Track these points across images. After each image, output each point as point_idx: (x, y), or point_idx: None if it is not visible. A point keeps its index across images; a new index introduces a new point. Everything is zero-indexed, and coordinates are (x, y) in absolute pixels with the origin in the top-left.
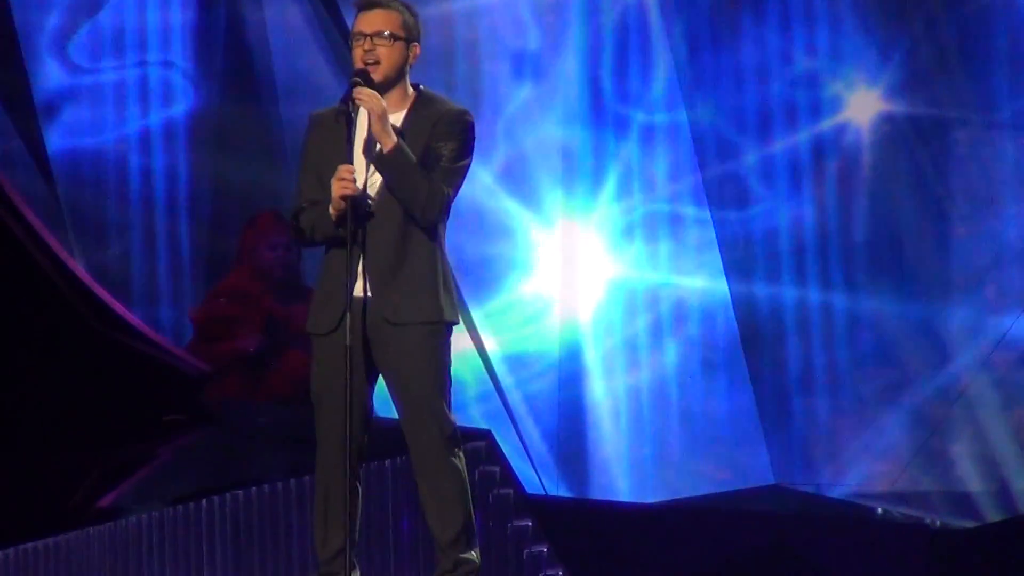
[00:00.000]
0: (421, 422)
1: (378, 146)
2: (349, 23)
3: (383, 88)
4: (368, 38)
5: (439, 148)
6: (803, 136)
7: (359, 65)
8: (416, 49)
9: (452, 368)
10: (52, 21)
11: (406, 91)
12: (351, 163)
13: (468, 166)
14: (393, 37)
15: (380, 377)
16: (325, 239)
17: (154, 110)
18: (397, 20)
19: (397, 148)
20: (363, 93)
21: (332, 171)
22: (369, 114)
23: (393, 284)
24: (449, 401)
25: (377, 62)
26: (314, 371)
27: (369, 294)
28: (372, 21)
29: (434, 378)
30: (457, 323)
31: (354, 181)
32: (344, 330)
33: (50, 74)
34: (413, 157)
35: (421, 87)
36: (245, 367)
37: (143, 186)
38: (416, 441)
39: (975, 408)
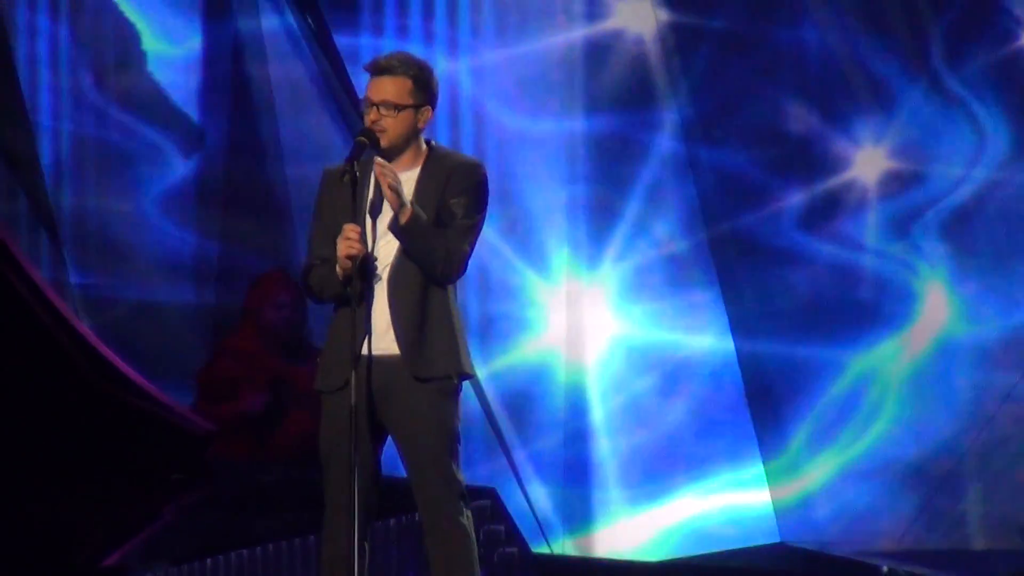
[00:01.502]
0: (430, 480)
1: (394, 215)
2: (355, 80)
3: (391, 153)
4: (375, 107)
5: (453, 204)
6: (809, 193)
7: (367, 127)
8: (427, 112)
9: (460, 428)
10: (61, 81)
11: (419, 149)
12: (357, 221)
13: (483, 220)
14: (398, 107)
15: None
16: (334, 297)
17: (160, 170)
18: (406, 87)
19: (414, 218)
20: (383, 168)
21: (339, 226)
22: (383, 186)
23: (418, 341)
24: (459, 461)
25: (384, 131)
26: (322, 430)
27: (376, 352)
28: (380, 89)
29: (443, 436)
30: (473, 376)
31: (359, 241)
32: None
33: (57, 133)
34: (429, 224)
35: (433, 143)
36: (250, 427)
37: (150, 245)
38: (424, 499)
39: (981, 465)
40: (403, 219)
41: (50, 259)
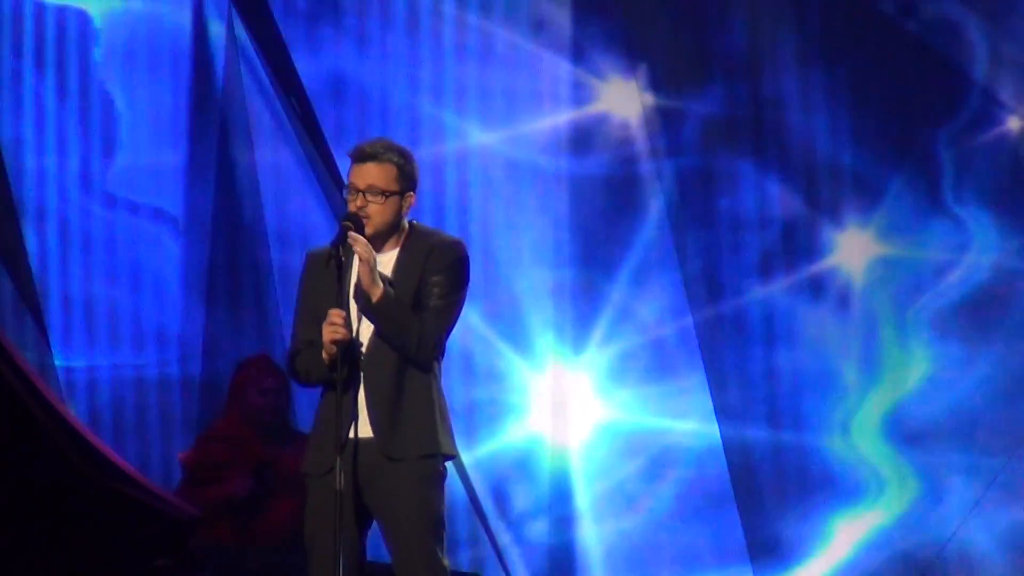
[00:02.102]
0: (413, 565)
1: (367, 294)
2: (340, 165)
3: (375, 239)
4: (361, 194)
5: (432, 283)
6: (795, 278)
7: (354, 212)
8: (411, 198)
9: (445, 512)
10: (46, 164)
11: (401, 231)
12: (342, 306)
13: (463, 299)
14: (385, 194)
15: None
16: (320, 382)
17: (145, 253)
18: (391, 174)
19: (385, 297)
20: (357, 241)
21: (326, 311)
22: (359, 262)
23: (393, 421)
24: (443, 545)
25: (368, 217)
26: (308, 514)
27: (362, 436)
28: (365, 175)
29: (427, 522)
30: (455, 456)
31: (344, 325)
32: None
33: (42, 216)
34: (403, 304)
35: (414, 222)
36: (235, 511)
37: (134, 328)
38: None
39: (966, 551)
40: (375, 297)
41: (35, 342)
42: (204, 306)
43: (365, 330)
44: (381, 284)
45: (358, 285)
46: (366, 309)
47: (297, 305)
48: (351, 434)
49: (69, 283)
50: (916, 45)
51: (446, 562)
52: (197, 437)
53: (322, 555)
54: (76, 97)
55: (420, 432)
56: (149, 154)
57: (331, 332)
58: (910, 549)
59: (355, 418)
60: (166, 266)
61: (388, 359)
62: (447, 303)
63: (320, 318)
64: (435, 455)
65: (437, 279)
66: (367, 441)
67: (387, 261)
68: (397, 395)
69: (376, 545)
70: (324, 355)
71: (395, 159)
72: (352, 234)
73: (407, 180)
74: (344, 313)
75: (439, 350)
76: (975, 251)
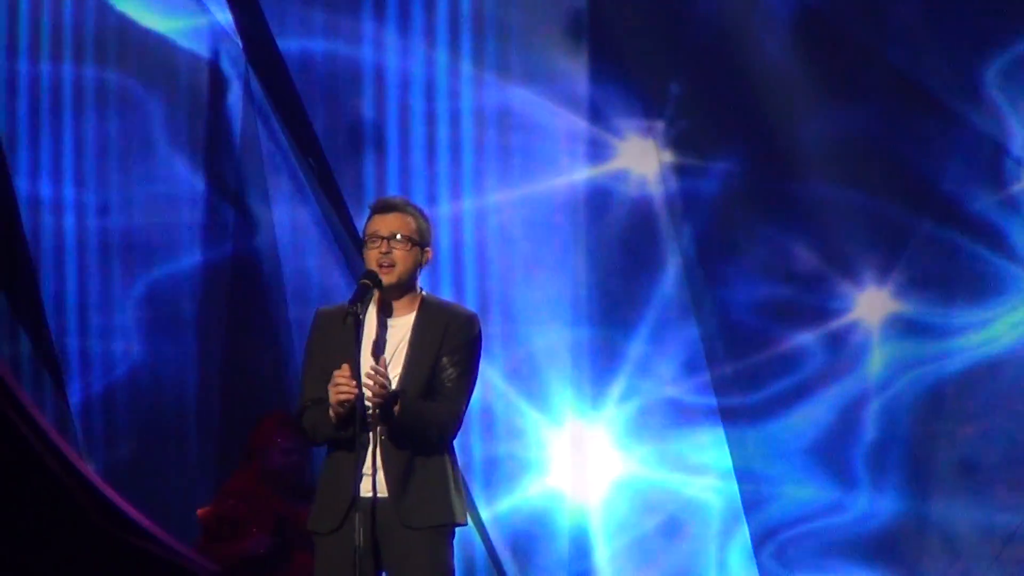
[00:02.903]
0: None
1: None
2: (357, 223)
3: (395, 290)
4: (385, 240)
5: (449, 362)
6: (813, 335)
7: (373, 266)
8: (428, 253)
9: (461, 568)
10: (63, 222)
11: (415, 294)
12: (359, 364)
13: (477, 376)
14: (410, 241)
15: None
16: (327, 439)
17: (162, 311)
18: (412, 224)
19: (403, 412)
20: (375, 385)
21: (336, 369)
22: (369, 402)
23: (406, 487)
24: None
25: (392, 265)
26: (318, 570)
27: (377, 495)
28: (389, 224)
29: None
30: (465, 525)
31: (350, 385)
32: (349, 529)
33: (60, 274)
34: (419, 406)
35: (425, 292)
36: (254, 568)
37: (151, 387)
38: None
39: None
40: (396, 408)
41: (53, 400)
42: (221, 362)
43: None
44: (397, 401)
45: (377, 340)
46: (393, 435)
47: (305, 362)
48: (364, 493)
49: (87, 341)
50: (930, 101)
51: None
52: (216, 493)
53: None
54: (90, 159)
55: (434, 501)
56: (166, 213)
57: (336, 393)
58: None
59: (373, 475)
60: (184, 322)
61: None
62: (464, 384)
63: (329, 376)
64: (447, 524)
65: (455, 359)
66: (383, 500)
67: (403, 325)
68: (413, 463)
69: None
70: (331, 414)
71: (415, 212)
72: (372, 387)
73: (426, 235)
74: (349, 372)
75: (460, 429)
76: (1001, 307)
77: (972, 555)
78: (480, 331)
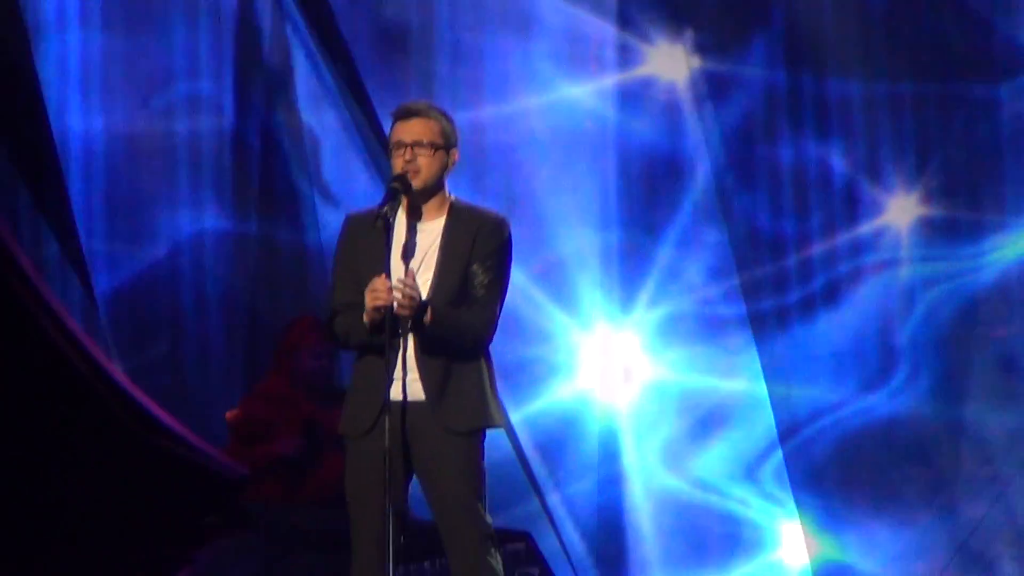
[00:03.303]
0: (458, 523)
1: (417, 320)
2: (387, 128)
3: (423, 194)
4: (408, 148)
5: (482, 270)
6: (842, 239)
7: (399, 172)
8: (455, 155)
9: (491, 469)
10: (92, 123)
11: (443, 197)
12: (389, 267)
13: (509, 280)
14: (433, 146)
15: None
16: (359, 345)
17: (191, 215)
18: (436, 128)
19: (435, 322)
20: (399, 298)
21: (368, 273)
22: (400, 310)
23: (443, 390)
24: (485, 501)
25: (418, 171)
26: (348, 473)
27: (410, 398)
28: (412, 131)
29: (470, 479)
30: (502, 427)
31: (388, 292)
32: (379, 432)
33: (88, 176)
34: (451, 314)
35: (454, 197)
36: (284, 470)
37: (180, 289)
38: (453, 542)
39: (1015, 508)
40: (427, 319)
41: (81, 303)
42: (252, 267)
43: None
44: (428, 312)
45: (407, 243)
46: (425, 345)
47: (335, 268)
48: (395, 396)
49: (115, 245)
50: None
51: (488, 519)
52: (243, 396)
53: (364, 511)
54: (119, 59)
55: (473, 405)
56: (195, 117)
57: (373, 299)
58: (958, 503)
59: (403, 378)
60: (214, 227)
61: None
62: (496, 291)
63: (360, 281)
64: (486, 428)
65: (486, 265)
66: (414, 404)
67: (433, 230)
68: (449, 366)
69: (419, 501)
70: (365, 319)
71: (439, 117)
72: (401, 297)
73: (451, 137)
74: (387, 280)
75: (494, 333)
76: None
77: (1003, 459)
78: (510, 235)
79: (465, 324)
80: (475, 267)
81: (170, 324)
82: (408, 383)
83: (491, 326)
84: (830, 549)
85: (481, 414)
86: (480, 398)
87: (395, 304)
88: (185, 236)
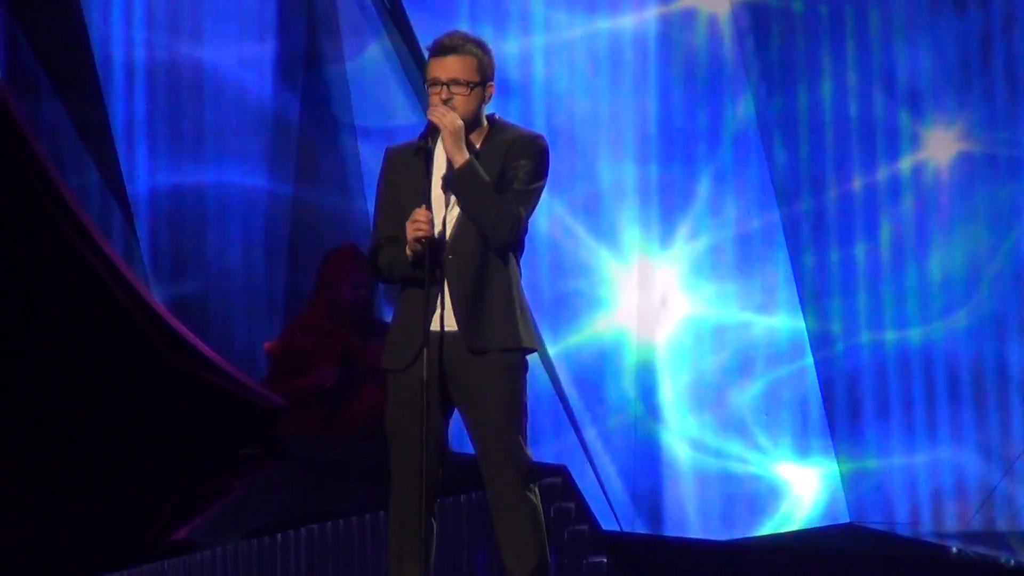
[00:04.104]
0: (497, 457)
1: (451, 161)
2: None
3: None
4: (444, 86)
5: (513, 170)
6: (881, 175)
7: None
8: (491, 88)
9: (528, 404)
10: (134, 53)
11: (481, 126)
12: (429, 198)
13: (541, 188)
14: (469, 84)
15: (455, 412)
16: (403, 278)
17: (232, 144)
18: (472, 64)
19: (469, 164)
20: (446, 115)
21: (409, 206)
22: (443, 131)
23: (473, 312)
24: (526, 436)
25: (454, 108)
26: (389, 407)
27: (447, 329)
28: (448, 68)
29: (510, 413)
30: (535, 350)
31: (429, 223)
32: (420, 365)
33: (130, 106)
34: (485, 176)
35: (496, 116)
36: (321, 402)
37: (220, 219)
38: (492, 476)
39: None
40: (457, 163)
41: (122, 232)
42: (291, 197)
43: (450, 224)
44: (465, 151)
45: (447, 175)
46: (449, 177)
47: (377, 201)
48: (436, 327)
49: (156, 175)
50: None
51: (528, 452)
52: (284, 327)
53: (404, 445)
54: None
55: (502, 326)
56: (237, 46)
57: (415, 230)
58: (993, 443)
59: (441, 310)
60: (254, 156)
61: (471, 254)
62: (528, 189)
63: (402, 213)
64: (517, 349)
65: (519, 165)
66: (451, 334)
67: (469, 147)
68: (479, 289)
69: (461, 435)
70: (408, 251)
71: (475, 51)
72: (441, 108)
73: (487, 70)
74: (429, 211)
75: (517, 234)
76: None
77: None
78: (547, 148)
79: (494, 198)
80: (509, 167)
81: (210, 256)
82: (445, 315)
83: (516, 215)
84: (865, 475)
85: (510, 334)
86: (509, 318)
87: (408, 237)
88: (225, 164)
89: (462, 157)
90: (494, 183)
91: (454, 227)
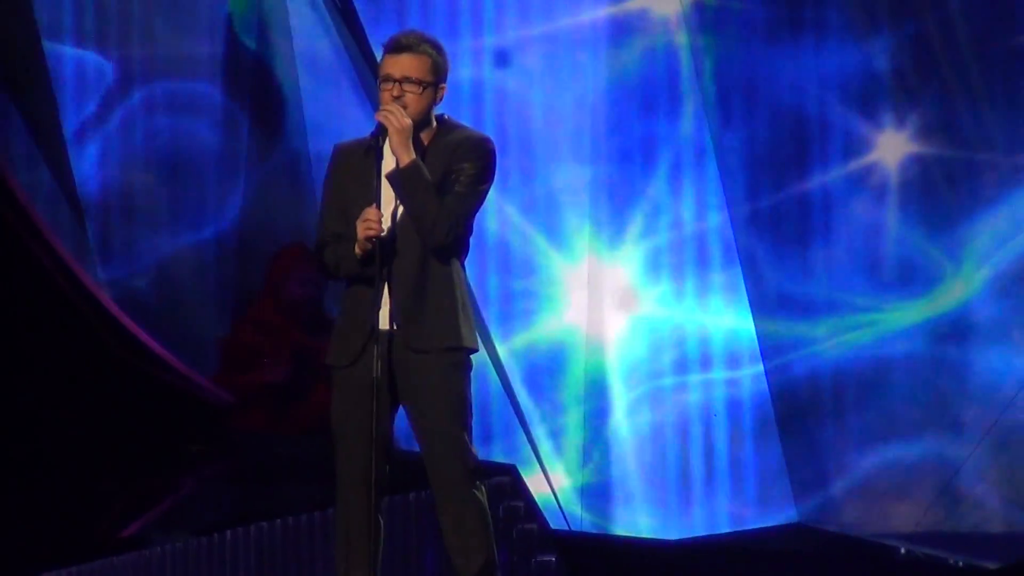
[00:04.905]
0: (443, 455)
1: (396, 161)
2: (379, 57)
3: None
4: (396, 83)
5: (457, 172)
6: (831, 176)
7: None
8: (443, 90)
9: (476, 402)
10: (85, 51)
11: (430, 126)
12: (379, 197)
13: (486, 191)
14: (421, 84)
15: (400, 409)
16: (349, 275)
17: (181, 142)
18: (426, 64)
19: (413, 164)
20: (394, 112)
21: (357, 204)
22: (390, 130)
23: (415, 312)
24: (471, 434)
25: (405, 108)
26: (334, 403)
27: (394, 327)
28: (401, 65)
29: (455, 410)
30: (476, 350)
31: (380, 222)
32: (366, 362)
33: (80, 104)
34: (428, 176)
35: (446, 116)
36: (271, 399)
37: (170, 216)
38: (438, 474)
39: (999, 448)
40: (402, 162)
41: (71, 229)
42: (241, 195)
43: (395, 225)
44: (412, 151)
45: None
46: (393, 174)
47: (324, 197)
48: (382, 325)
49: (106, 171)
50: None
51: (475, 450)
52: (234, 322)
53: (350, 442)
54: None
55: (442, 324)
56: (188, 43)
57: (365, 229)
58: (943, 443)
59: (389, 307)
60: (204, 155)
61: (413, 252)
62: (470, 191)
63: (350, 211)
64: (459, 348)
65: (463, 168)
66: (397, 332)
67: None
68: (420, 287)
69: (406, 435)
70: (357, 250)
71: (430, 51)
72: (390, 107)
73: (441, 72)
74: (379, 211)
75: (454, 236)
76: (1011, 152)
77: (991, 399)
78: (493, 151)
79: (435, 199)
80: (452, 171)
81: (160, 253)
82: (392, 312)
83: (455, 218)
84: (812, 475)
85: (451, 333)
86: (451, 317)
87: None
88: (175, 161)
89: (408, 157)
90: (439, 180)
91: (399, 226)
